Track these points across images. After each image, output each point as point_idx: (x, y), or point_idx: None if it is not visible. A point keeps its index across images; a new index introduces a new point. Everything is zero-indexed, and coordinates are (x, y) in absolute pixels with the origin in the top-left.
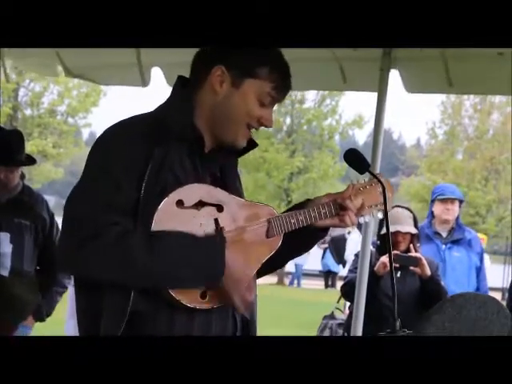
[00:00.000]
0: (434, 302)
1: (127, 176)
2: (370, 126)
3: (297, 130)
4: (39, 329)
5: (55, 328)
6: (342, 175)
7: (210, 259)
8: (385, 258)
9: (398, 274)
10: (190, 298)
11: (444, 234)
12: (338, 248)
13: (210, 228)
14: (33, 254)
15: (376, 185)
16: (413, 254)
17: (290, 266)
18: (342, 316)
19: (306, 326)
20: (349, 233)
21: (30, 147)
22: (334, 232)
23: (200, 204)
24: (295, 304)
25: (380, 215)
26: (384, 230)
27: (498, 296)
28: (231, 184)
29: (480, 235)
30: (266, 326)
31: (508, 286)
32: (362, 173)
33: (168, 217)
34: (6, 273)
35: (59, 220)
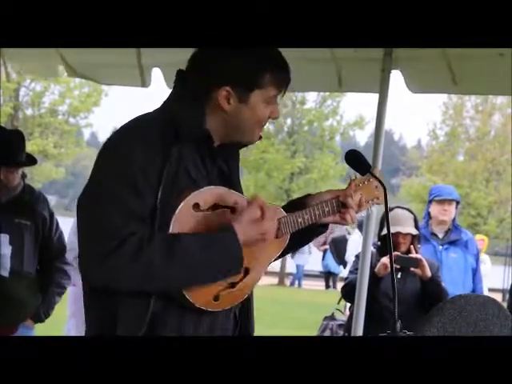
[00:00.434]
0: (435, 303)
1: (145, 182)
2: (370, 127)
3: (298, 130)
4: (40, 327)
5: (56, 327)
6: (343, 176)
7: (227, 254)
8: (385, 259)
9: (399, 275)
10: (203, 301)
11: (440, 235)
12: (338, 249)
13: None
14: (33, 254)
15: (372, 180)
16: (413, 255)
17: (290, 267)
18: (342, 317)
19: (307, 326)
20: (349, 234)
21: (30, 147)
22: (335, 233)
23: (215, 207)
24: (296, 305)
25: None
26: (385, 231)
27: (498, 297)
28: (236, 178)
29: (481, 236)
30: (267, 327)
31: (508, 287)
32: (363, 174)
33: (185, 220)
34: (6, 274)
35: (59, 219)
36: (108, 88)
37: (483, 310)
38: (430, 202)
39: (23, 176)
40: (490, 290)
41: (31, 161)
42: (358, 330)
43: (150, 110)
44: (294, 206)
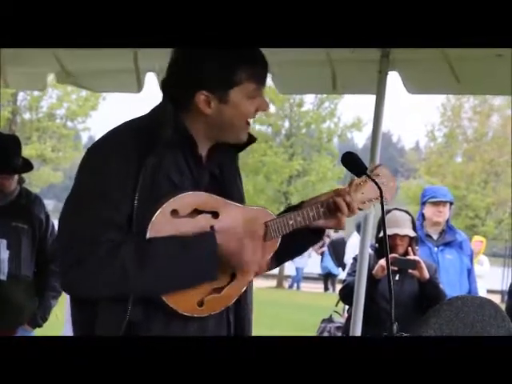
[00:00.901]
0: (433, 305)
1: (120, 191)
2: (368, 129)
3: (295, 133)
4: (38, 331)
5: (55, 331)
6: (341, 178)
7: (201, 261)
8: (383, 261)
9: (397, 277)
10: (186, 307)
11: (435, 237)
12: (337, 251)
13: None
14: (31, 257)
15: (376, 177)
16: (411, 257)
17: (289, 270)
18: (340, 319)
19: (305, 329)
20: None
21: (28, 151)
22: (334, 235)
23: (195, 212)
24: (294, 307)
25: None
26: (382, 233)
27: (497, 298)
28: (231, 182)
29: (479, 238)
30: (265, 330)
31: (507, 288)
32: (359, 176)
33: (163, 227)
34: (4, 277)
35: (56, 223)
36: (106, 93)
37: (480, 312)
38: (424, 203)
39: (21, 181)
40: (489, 291)
41: (27, 165)
42: (356, 332)
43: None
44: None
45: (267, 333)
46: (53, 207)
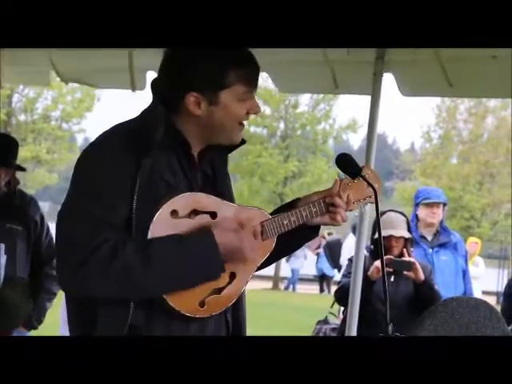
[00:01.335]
0: (428, 306)
1: (117, 193)
2: (364, 131)
3: (291, 134)
4: (34, 333)
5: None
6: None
7: (204, 258)
8: (378, 263)
9: (392, 279)
10: (188, 308)
11: (429, 238)
12: (333, 252)
13: None
14: (26, 259)
15: (362, 179)
16: (406, 258)
17: (285, 271)
18: (335, 321)
19: (301, 330)
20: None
21: (24, 153)
22: (330, 237)
23: (194, 213)
24: (290, 309)
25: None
26: (377, 235)
27: (492, 300)
28: (222, 183)
29: (474, 239)
30: (261, 331)
31: (502, 289)
32: (353, 177)
33: (163, 227)
34: None
35: (52, 225)
36: (100, 93)
37: (475, 313)
38: (417, 204)
39: (15, 183)
40: (484, 292)
41: (19, 167)
42: (352, 334)
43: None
44: (284, 210)
45: (263, 334)
46: (48, 209)
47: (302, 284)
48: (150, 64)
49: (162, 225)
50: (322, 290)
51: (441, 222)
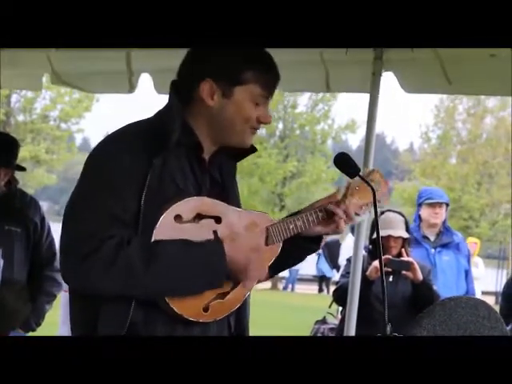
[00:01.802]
0: (427, 306)
1: (127, 188)
2: (363, 131)
3: (289, 134)
4: (33, 333)
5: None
6: (335, 180)
7: (209, 265)
8: (377, 263)
9: (391, 279)
10: (192, 312)
11: (432, 238)
12: (331, 253)
13: None
14: (24, 262)
15: (371, 183)
16: (405, 258)
17: (284, 271)
18: (334, 321)
19: (299, 330)
20: (343, 238)
21: (22, 153)
22: (329, 237)
23: (198, 217)
24: (288, 309)
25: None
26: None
27: (491, 300)
28: (230, 188)
29: (473, 239)
30: (259, 331)
31: (501, 290)
32: (352, 177)
33: (167, 231)
34: None
35: (51, 224)
36: (99, 94)
37: (473, 313)
38: (420, 205)
39: (15, 183)
40: (483, 293)
41: (19, 166)
42: (350, 334)
43: (140, 115)
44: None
45: (261, 334)
46: (47, 209)
47: (301, 284)
48: (146, 66)
49: (165, 229)
50: (320, 290)
51: (443, 222)
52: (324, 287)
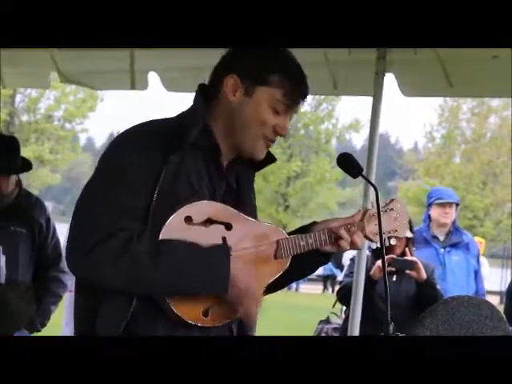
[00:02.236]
0: (430, 305)
1: (141, 182)
2: (367, 130)
3: (294, 134)
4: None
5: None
6: (339, 179)
7: (214, 271)
8: (380, 262)
9: (394, 278)
10: (191, 315)
11: (441, 238)
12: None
13: None
14: (29, 263)
15: (390, 211)
16: (409, 257)
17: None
18: (337, 320)
19: (303, 330)
20: None
21: (26, 153)
22: None
23: (208, 221)
24: (291, 308)
25: (393, 242)
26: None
27: (495, 300)
28: (245, 197)
29: (478, 239)
30: (262, 331)
31: (506, 289)
32: (354, 177)
33: (176, 232)
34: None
35: (56, 225)
36: (103, 93)
37: (476, 312)
38: (430, 204)
39: (19, 182)
40: (488, 292)
41: (26, 166)
42: (354, 334)
43: (144, 114)
44: (300, 232)
45: (264, 334)
46: (51, 209)
47: (305, 284)
48: (151, 65)
49: (174, 229)
50: (325, 288)
51: (453, 222)
52: (329, 286)
